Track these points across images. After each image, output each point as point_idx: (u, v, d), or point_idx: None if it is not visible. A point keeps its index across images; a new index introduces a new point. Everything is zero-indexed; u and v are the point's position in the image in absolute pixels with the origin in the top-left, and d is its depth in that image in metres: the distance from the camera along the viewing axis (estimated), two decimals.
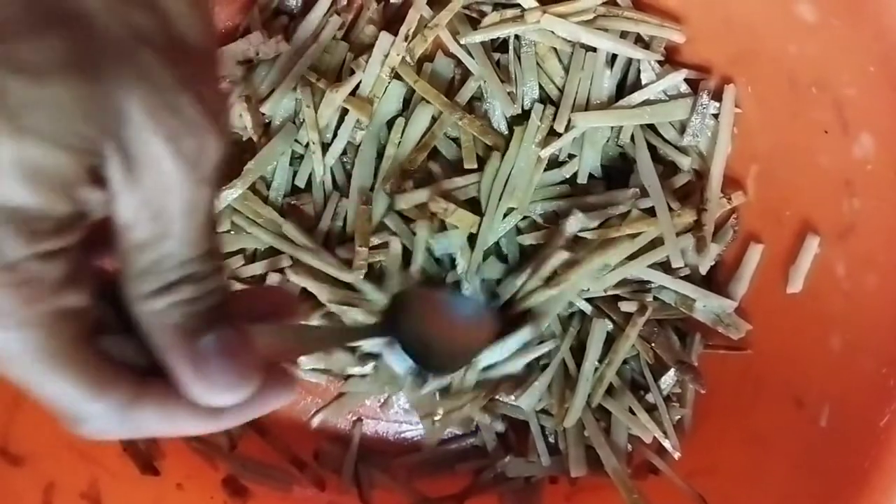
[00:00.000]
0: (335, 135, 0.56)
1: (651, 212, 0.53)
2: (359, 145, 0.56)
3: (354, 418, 0.59)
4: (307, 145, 0.55)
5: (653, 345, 0.54)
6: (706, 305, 0.53)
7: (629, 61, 0.56)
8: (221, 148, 0.24)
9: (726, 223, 0.55)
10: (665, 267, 0.53)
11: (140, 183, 0.22)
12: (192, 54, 0.23)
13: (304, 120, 0.55)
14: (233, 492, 0.54)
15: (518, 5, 0.55)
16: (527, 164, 0.54)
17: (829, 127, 0.46)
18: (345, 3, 0.57)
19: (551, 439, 0.56)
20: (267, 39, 0.55)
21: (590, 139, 0.55)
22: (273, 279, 0.55)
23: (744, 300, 0.53)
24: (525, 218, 0.55)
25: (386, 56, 0.55)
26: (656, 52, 0.54)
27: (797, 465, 0.46)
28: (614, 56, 0.55)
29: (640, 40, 0.55)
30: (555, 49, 0.55)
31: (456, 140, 0.56)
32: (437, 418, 0.56)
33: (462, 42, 0.55)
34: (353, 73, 0.55)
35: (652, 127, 0.55)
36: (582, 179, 0.55)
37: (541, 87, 0.56)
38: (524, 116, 0.55)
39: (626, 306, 0.53)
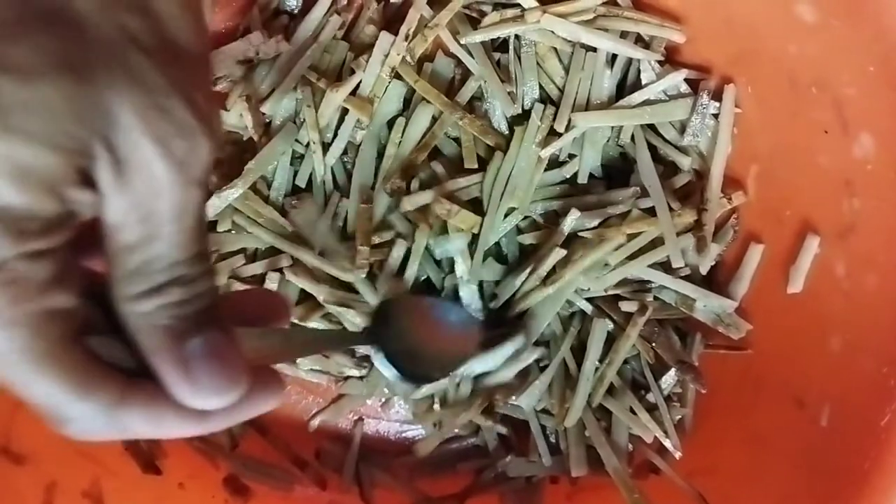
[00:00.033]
0: (336, 134, 0.56)
1: (651, 212, 0.53)
2: (359, 145, 0.56)
3: (355, 418, 0.59)
4: (308, 145, 0.55)
5: (653, 344, 0.54)
6: (707, 305, 0.53)
7: (629, 61, 0.56)
8: (212, 150, 0.24)
9: (727, 223, 0.55)
10: (665, 267, 0.53)
11: (129, 185, 0.22)
12: (183, 57, 0.23)
13: (304, 120, 0.55)
14: (234, 491, 0.54)
15: (518, 5, 0.55)
16: (527, 164, 0.54)
17: (829, 127, 0.46)
18: (345, 2, 0.57)
19: (552, 439, 0.56)
20: (267, 39, 0.55)
21: (590, 139, 0.55)
22: (273, 278, 0.55)
23: (744, 300, 0.53)
24: (526, 218, 0.55)
25: (386, 56, 0.55)
26: (656, 52, 0.54)
27: (798, 465, 0.46)
28: (614, 56, 0.55)
29: (640, 40, 0.55)
30: (555, 49, 0.56)
31: (456, 140, 0.56)
32: (434, 423, 0.56)
33: (462, 42, 0.55)
34: (353, 72, 0.55)
35: (652, 127, 0.55)
36: (582, 179, 0.55)
37: (541, 86, 0.56)
38: (524, 116, 0.55)
39: (627, 306, 0.53)
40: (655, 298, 0.54)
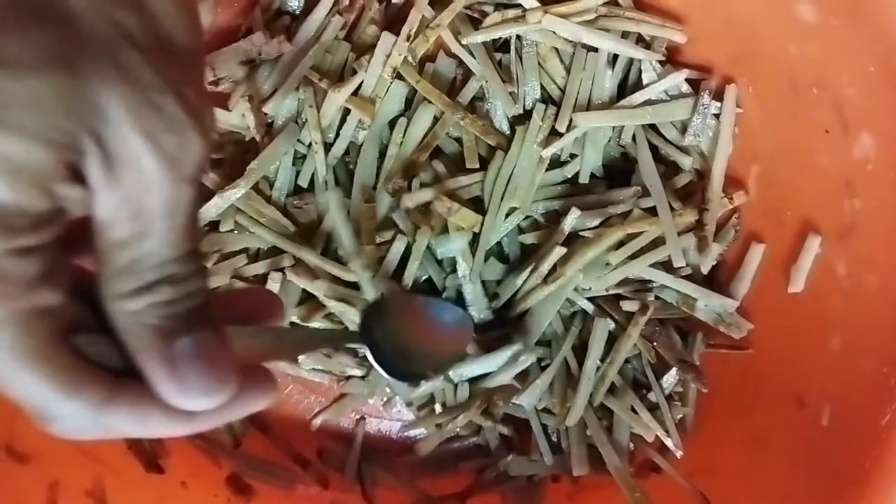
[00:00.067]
0: (337, 135, 0.56)
1: (652, 211, 0.53)
2: (361, 145, 0.56)
3: (357, 417, 0.60)
4: (310, 145, 0.56)
5: (654, 344, 0.54)
6: (708, 305, 0.53)
7: (630, 61, 0.56)
8: (204, 147, 0.24)
9: (728, 223, 0.55)
10: (667, 266, 0.53)
11: (120, 181, 0.22)
12: (177, 55, 0.23)
13: (306, 120, 0.55)
14: (236, 490, 0.55)
15: (519, 5, 0.55)
16: (528, 164, 0.54)
17: (829, 127, 0.46)
18: (347, 3, 0.57)
19: (553, 438, 0.56)
20: (269, 40, 0.55)
21: (591, 139, 0.55)
22: (276, 278, 0.55)
23: (745, 300, 0.53)
24: (527, 217, 0.55)
25: (388, 56, 0.55)
26: (657, 52, 0.55)
27: (798, 464, 0.46)
28: (616, 56, 0.55)
29: (641, 40, 0.55)
30: (556, 49, 0.56)
31: (458, 140, 0.56)
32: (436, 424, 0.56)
33: (464, 42, 0.55)
34: (355, 73, 0.55)
35: (653, 127, 0.55)
36: (584, 179, 0.55)
37: (542, 87, 0.56)
38: (526, 116, 0.55)
39: (628, 305, 0.53)
40: (657, 298, 0.54)
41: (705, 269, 0.54)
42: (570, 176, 0.55)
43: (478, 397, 0.55)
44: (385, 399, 0.59)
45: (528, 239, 0.55)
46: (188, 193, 0.24)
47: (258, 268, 0.55)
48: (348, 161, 0.57)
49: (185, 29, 0.24)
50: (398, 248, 0.54)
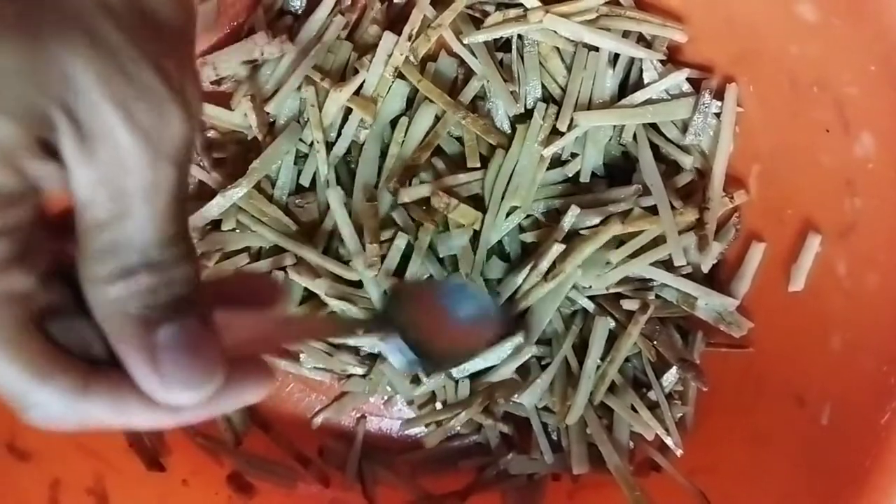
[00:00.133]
0: (339, 134, 0.56)
1: (653, 210, 0.53)
2: (362, 144, 0.56)
3: (358, 415, 0.60)
4: (311, 144, 0.56)
5: (655, 342, 0.54)
6: (708, 303, 0.53)
7: (631, 61, 0.56)
8: (187, 126, 0.22)
9: (728, 222, 0.55)
10: (667, 265, 0.54)
11: (95, 156, 0.21)
12: (162, 31, 0.22)
13: (308, 119, 0.55)
14: (238, 488, 0.55)
15: (521, 5, 0.55)
16: (529, 163, 0.54)
17: (830, 126, 0.46)
18: (349, 3, 0.57)
19: (554, 437, 0.56)
20: (271, 39, 0.55)
21: (592, 138, 0.55)
22: (277, 276, 0.55)
23: (746, 298, 0.53)
24: (528, 216, 0.55)
25: (389, 56, 0.55)
26: (658, 51, 0.55)
27: (798, 463, 0.46)
28: (617, 55, 0.56)
29: (642, 40, 0.56)
30: (557, 48, 0.56)
31: (459, 139, 0.56)
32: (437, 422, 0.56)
33: (465, 42, 0.55)
34: (356, 72, 0.56)
35: (654, 126, 0.56)
36: (584, 178, 0.55)
37: (543, 86, 0.56)
38: (527, 115, 0.56)
39: (629, 304, 0.54)
40: (657, 297, 0.54)
41: (706, 268, 0.54)
42: (570, 175, 0.56)
43: (479, 394, 0.55)
44: (386, 397, 0.59)
45: (529, 238, 0.55)
46: (170, 174, 0.22)
47: (260, 267, 0.55)
48: (350, 160, 0.57)
49: (171, 5, 0.22)
50: (399, 246, 0.54)
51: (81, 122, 0.20)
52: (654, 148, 0.55)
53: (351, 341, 0.56)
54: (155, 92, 0.21)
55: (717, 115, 0.54)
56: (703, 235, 0.53)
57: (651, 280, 0.54)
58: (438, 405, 0.56)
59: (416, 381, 0.56)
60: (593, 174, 0.56)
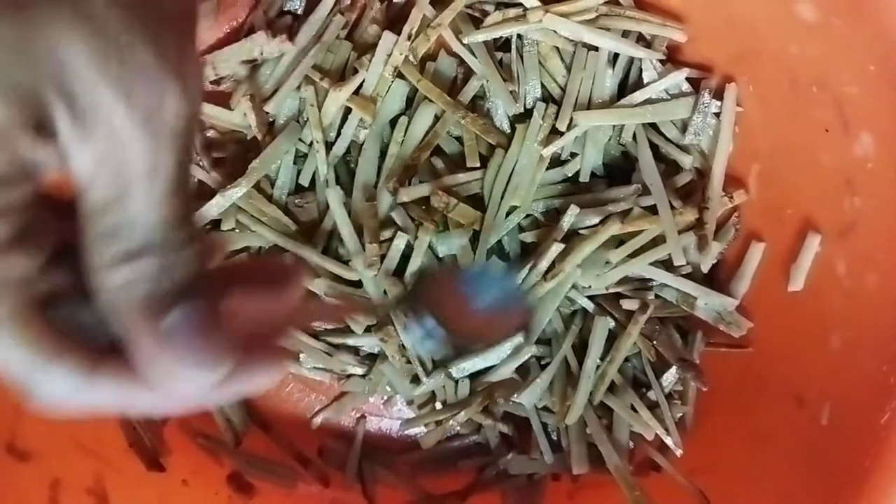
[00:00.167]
0: (339, 133, 0.56)
1: (653, 210, 0.53)
2: (362, 144, 0.56)
3: (358, 415, 0.60)
4: (311, 144, 0.56)
5: (654, 342, 0.54)
6: (708, 303, 0.53)
7: (631, 60, 0.56)
8: (185, 105, 0.21)
9: (728, 221, 0.55)
10: (667, 265, 0.54)
11: (92, 135, 0.20)
12: (161, 13, 0.22)
13: (307, 119, 0.55)
14: (238, 488, 0.55)
15: (520, 5, 0.55)
16: (529, 163, 0.54)
17: (829, 126, 0.46)
18: (348, 2, 0.57)
19: (553, 437, 0.56)
20: (271, 39, 0.55)
21: (592, 138, 0.55)
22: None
23: (745, 298, 0.53)
24: (528, 216, 0.55)
25: (389, 55, 0.55)
26: (658, 51, 0.55)
27: (798, 463, 0.46)
28: (616, 55, 0.56)
29: (641, 39, 0.56)
30: (557, 48, 0.56)
31: (459, 139, 0.56)
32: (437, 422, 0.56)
33: (465, 41, 0.55)
34: (356, 72, 0.56)
35: (654, 126, 0.56)
36: (584, 178, 0.55)
37: (543, 86, 0.56)
38: (526, 115, 0.55)
39: (628, 304, 0.54)
40: (657, 296, 0.54)
41: (705, 268, 0.54)
42: (570, 174, 0.56)
43: (478, 394, 0.55)
44: (385, 397, 0.59)
45: (529, 237, 0.55)
46: (170, 154, 0.22)
47: None
48: (349, 160, 0.57)
49: None
50: (399, 245, 0.54)
51: (76, 101, 0.20)
52: (654, 147, 0.55)
53: (350, 341, 0.56)
54: (152, 70, 0.21)
55: (717, 114, 0.54)
56: (702, 235, 0.53)
57: (651, 280, 0.54)
58: (438, 405, 0.56)
59: (415, 380, 0.56)
60: (593, 174, 0.56)
